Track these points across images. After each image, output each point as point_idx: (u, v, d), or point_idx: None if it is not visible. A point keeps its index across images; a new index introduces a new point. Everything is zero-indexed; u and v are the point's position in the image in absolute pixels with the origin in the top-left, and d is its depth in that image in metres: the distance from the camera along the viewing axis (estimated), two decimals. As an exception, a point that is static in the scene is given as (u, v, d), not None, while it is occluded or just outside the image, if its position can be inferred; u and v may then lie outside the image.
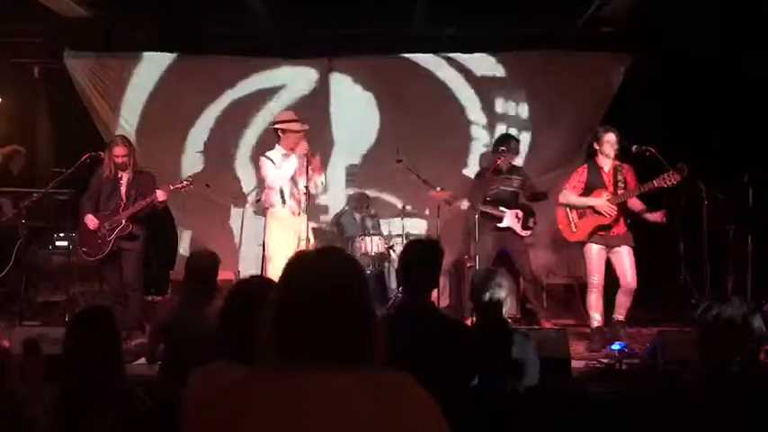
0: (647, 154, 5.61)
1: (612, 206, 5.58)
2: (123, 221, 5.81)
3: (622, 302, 5.65)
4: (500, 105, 7.69)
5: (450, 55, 7.67)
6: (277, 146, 5.78)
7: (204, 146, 7.66)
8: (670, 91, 6.95)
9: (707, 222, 5.78)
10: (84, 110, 7.81)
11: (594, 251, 5.69)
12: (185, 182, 5.99)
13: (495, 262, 6.25)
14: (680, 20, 6.73)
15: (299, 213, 5.74)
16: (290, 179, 5.73)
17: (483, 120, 7.69)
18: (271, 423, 1.34)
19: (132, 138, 7.80)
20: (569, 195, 5.82)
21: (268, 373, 1.41)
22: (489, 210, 6.28)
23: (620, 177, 5.69)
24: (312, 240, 5.68)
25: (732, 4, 6.27)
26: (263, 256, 6.03)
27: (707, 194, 5.76)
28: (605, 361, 4.76)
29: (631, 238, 5.69)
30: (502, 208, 6.31)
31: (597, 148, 5.77)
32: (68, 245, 6.95)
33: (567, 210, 5.85)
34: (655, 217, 5.61)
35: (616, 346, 5.09)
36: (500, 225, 6.31)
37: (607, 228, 5.65)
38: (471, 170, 7.31)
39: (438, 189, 6.31)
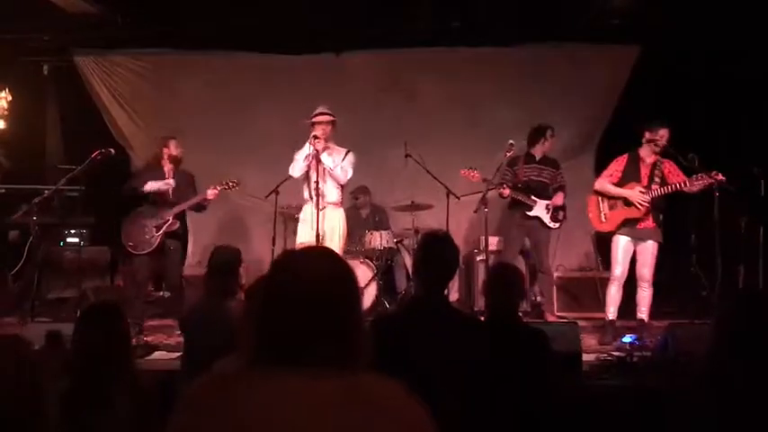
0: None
1: (645, 197, 5.54)
2: (171, 218, 5.95)
3: (642, 298, 5.63)
4: (508, 99, 7.65)
5: (458, 49, 7.65)
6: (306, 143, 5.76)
7: (213, 141, 7.67)
8: (680, 82, 6.92)
9: (718, 214, 5.75)
10: (94, 107, 7.86)
11: (622, 243, 5.66)
12: (231, 182, 6.05)
13: (521, 251, 6.37)
14: (689, 11, 6.67)
15: (323, 208, 5.68)
16: (306, 173, 5.74)
17: (492, 113, 7.66)
18: (246, 429, 1.30)
19: (142, 134, 7.89)
20: (605, 183, 5.76)
21: (247, 376, 1.37)
22: (521, 197, 6.24)
23: (657, 172, 5.63)
24: (329, 236, 5.68)
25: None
26: (273, 251, 6.07)
27: (718, 186, 5.72)
28: (616, 354, 4.74)
29: (660, 234, 5.66)
30: (533, 197, 6.28)
31: (648, 138, 5.64)
32: (79, 241, 7.00)
33: (599, 198, 5.80)
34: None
35: (627, 339, 5.08)
36: (528, 213, 6.28)
37: (636, 221, 5.62)
38: (481, 164, 7.25)
39: (470, 169, 6.18)
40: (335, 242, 5.72)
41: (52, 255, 6.98)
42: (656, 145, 5.58)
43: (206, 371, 1.90)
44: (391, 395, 1.35)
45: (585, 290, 6.85)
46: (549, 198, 6.31)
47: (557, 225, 6.33)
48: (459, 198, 6.42)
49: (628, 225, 5.64)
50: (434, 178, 6.41)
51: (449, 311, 2.71)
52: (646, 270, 5.59)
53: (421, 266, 2.76)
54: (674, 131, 5.96)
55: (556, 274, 6.96)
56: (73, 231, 7.12)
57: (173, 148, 6.11)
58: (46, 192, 6.32)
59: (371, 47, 7.67)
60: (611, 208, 5.74)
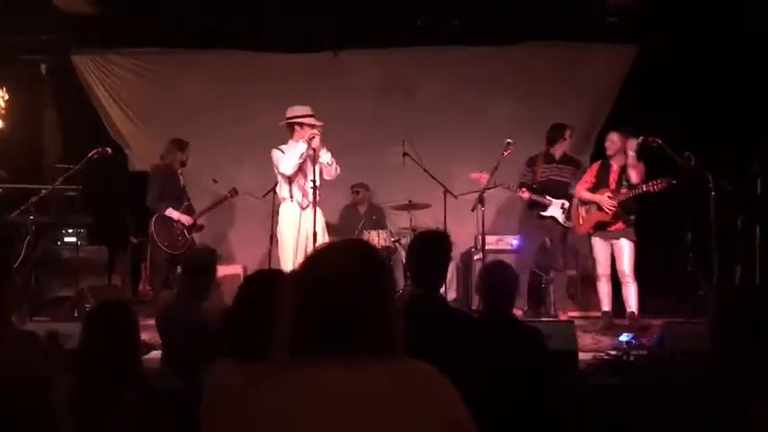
0: (654, 145, 5.72)
1: (612, 202, 5.86)
2: (197, 221, 6.41)
3: (629, 294, 5.94)
4: (506, 97, 7.65)
5: (457, 47, 7.65)
6: (290, 141, 5.81)
7: (211, 141, 7.66)
8: (677, 81, 6.93)
9: (715, 213, 5.77)
10: (92, 106, 7.85)
11: (598, 244, 6.09)
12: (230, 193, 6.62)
13: (539, 251, 6.47)
14: (687, 10, 6.69)
15: (306, 207, 5.75)
16: (299, 171, 5.74)
17: (491, 112, 7.66)
18: (293, 420, 1.32)
19: (140, 134, 7.89)
20: (580, 190, 6.17)
21: (286, 369, 1.39)
22: (536, 197, 6.28)
23: (624, 177, 5.92)
24: (320, 235, 5.67)
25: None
26: (270, 251, 6.08)
27: (715, 185, 5.75)
28: (613, 353, 4.74)
29: (632, 233, 5.97)
30: (548, 197, 6.30)
31: (606, 147, 6.07)
32: (76, 240, 7.00)
33: (578, 204, 6.20)
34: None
35: (624, 338, 5.08)
36: (543, 213, 6.32)
37: (606, 224, 5.98)
38: (480, 163, 7.25)
39: (482, 172, 6.18)
40: (326, 240, 5.72)
41: (49, 254, 6.97)
42: (607, 151, 6.01)
43: (184, 368, 1.92)
44: (429, 378, 1.40)
45: (583, 289, 6.87)
46: (566, 197, 6.33)
47: (571, 224, 6.36)
48: (456, 197, 6.43)
49: (600, 228, 6.03)
50: (432, 177, 6.42)
51: (445, 309, 2.72)
52: (625, 266, 5.92)
53: (415, 264, 2.77)
54: (671, 130, 6.02)
55: (552, 275, 6.96)
56: (70, 231, 7.12)
57: (186, 155, 6.42)
58: (43, 191, 6.31)
59: (370, 46, 7.67)
60: (587, 212, 6.12)
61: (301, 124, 5.75)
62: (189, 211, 6.41)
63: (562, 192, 6.36)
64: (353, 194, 7.50)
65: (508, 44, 7.61)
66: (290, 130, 5.84)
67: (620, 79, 7.56)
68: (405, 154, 6.52)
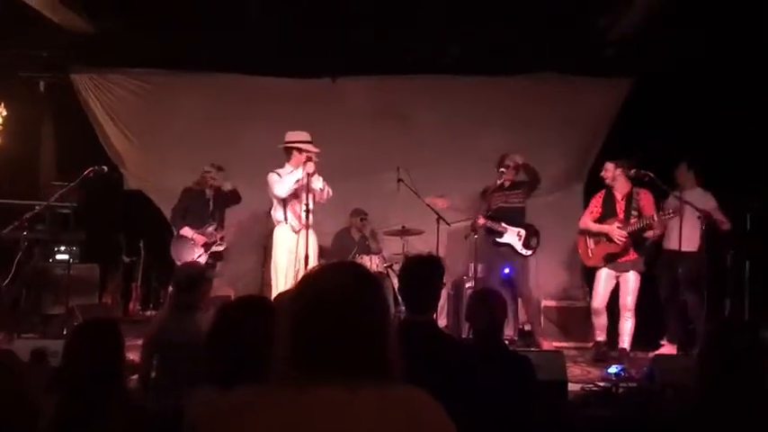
0: (645, 179, 5.76)
1: (623, 233, 5.82)
2: (219, 240, 6.41)
3: (625, 328, 5.93)
4: (501, 127, 7.72)
5: (454, 77, 7.73)
6: (287, 164, 5.91)
7: (207, 162, 7.67)
8: (670, 115, 7.01)
9: (705, 247, 5.82)
10: (89, 124, 7.88)
11: (603, 276, 6.02)
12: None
13: (496, 280, 6.29)
14: (681, 44, 6.79)
15: (299, 230, 5.78)
16: (293, 195, 5.81)
17: (485, 141, 7.72)
18: None
19: (136, 153, 7.92)
20: (587, 221, 6.13)
21: (282, 390, 1.38)
22: (489, 224, 6.30)
23: (633, 205, 5.91)
24: (312, 259, 5.70)
25: (726, 32, 6.34)
26: (262, 273, 6.10)
27: (705, 219, 5.79)
28: (602, 384, 4.76)
29: (641, 263, 5.98)
30: (503, 224, 6.31)
31: (619, 174, 6.02)
32: (69, 258, 6.98)
33: (586, 236, 6.15)
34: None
35: (613, 370, 5.10)
36: (499, 240, 6.32)
37: (617, 255, 5.93)
38: (474, 192, 7.29)
39: (439, 197, 6.32)
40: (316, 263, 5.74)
41: (41, 271, 6.95)
42: (606, 181, 6.01)
43: (179, 381, 1.92)
44: (425, 405, 1.40)
45: (573, 320, 6.87)
46: (522, 225, 6.34)
47: (529, 252, 6.35)
48: (449, 224, 6.46)
49: (610, 259, 5.97)
50: (426, 204, 6.45)
51: (436, 335, 2.72)
52: (628, 299, 5.91)
53: (406, 288, 2.79)
54: (664, 164, 6.10)
55: (544, 303, 7.00)
56: (63, 248, 7.11)
57: (219, 179, 6.50)
58: (37, 207, 6.31)
59: (367, 73, 7.75)
60: (596, 244, 6.09)
61: (299, 149, 5.84)
62: (211, 235, 6.40)
63: (518, 220, 6.36)
64: (360, 221, 7.48)
65: (504, 75, 7.69)
66: (287, 154, 5.91)
67: (614, 111, 7.64)
68: (399, 180, 6.56)
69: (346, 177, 7.39)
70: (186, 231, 6.29)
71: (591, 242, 6.11)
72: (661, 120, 7.02)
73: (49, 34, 7.07)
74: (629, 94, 7.54)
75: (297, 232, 5.84)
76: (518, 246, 6.34)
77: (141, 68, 7.83)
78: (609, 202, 6.05)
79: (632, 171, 5.86)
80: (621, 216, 5.92)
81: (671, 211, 5.72)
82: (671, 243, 6.22)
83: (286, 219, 5.86)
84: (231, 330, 2.22)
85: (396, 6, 6.52)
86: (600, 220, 6.03)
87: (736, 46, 6.47)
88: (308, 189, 5.71)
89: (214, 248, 6.41)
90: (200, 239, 6.33)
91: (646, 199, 5.93)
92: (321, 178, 5.89)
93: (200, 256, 6.27)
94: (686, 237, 5.88)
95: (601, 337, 6.05)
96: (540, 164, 7.56)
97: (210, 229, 6.41)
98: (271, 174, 5.89)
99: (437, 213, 6.45)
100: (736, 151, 6.65)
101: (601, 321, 6.05)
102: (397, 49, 7.35)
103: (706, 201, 6.08)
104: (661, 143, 6.72)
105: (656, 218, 5.75)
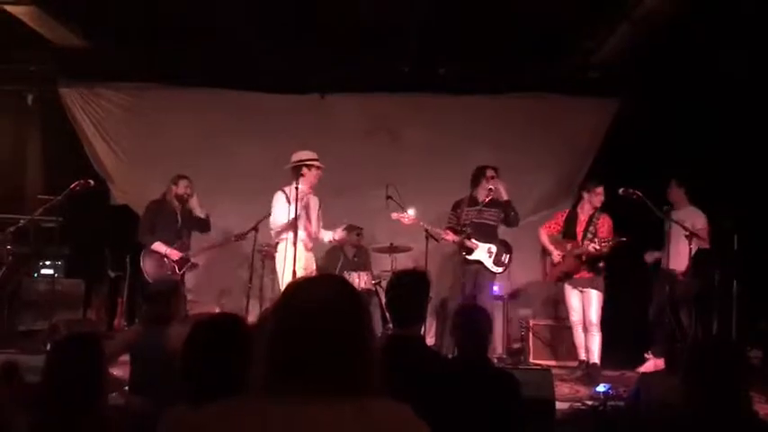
0: (633, 197, 5.78)
1: (559, 255, 6.07)
2: (191, 259, 6.31)
3: (590, 344, 6.02)
4: (490, 144, 7.73)
5: (442, 95, 7.76)
6: (294, 182, 5.88)
7: (194, 177, 7.64)
8: (657, 135, 7.06)
9: (693, 267, 5.85)
10: (76, 138, 7.84)
11: (569, 293, 6.20)
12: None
13: (469, 296, 6.18)
14: (667, 66, 6.86)
15: (311, 248, 6.04)
16: (305, 215, 5.98)
17: (473, 158, 7.71)
18: None
19: (123, 168, 7.88)
20: (543, 232, 6.30)
21: (259, 403, 1.36)
22: (460, 240, 6.15)
23: (591, 228, 6.04)
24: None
25: (715, 51, 6.41)
26: (248, 291, 6.09)
27: (691, 238, 5.82)
28: (589, 403, 4.73)
29: (600, 283, 6.08)
30: (474, 240, 6.23)
31: (586, 197, 6.15)
32: (53, 273, 6.90)
33: (545, 252, 6.29)
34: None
35: (601, 389, 5.07)
36: (469, 257, 6.20)
37: (570, 275, 6.11)
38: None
39: (405, 213, 6.22)
40: None
41: (25, 286, 6.87)
42: (590, 202, 6.11)
43: (150, 392, 1.88)
44: (405, 420, 1.37)
45: (562, 338, 6.85)
46: (493, 241, 6.22)
47: (500, 270, 6.26)
48: (438, 241, 6.44)
49: (564, 278, 6.16)
50: (414, 220, 6.43)
51: (422, 350, 2.70)
52: (592, 315, 6.01)
53: (392, 303, 2.77)
54: (650, 184, 6.13)
55: (533, 322, 6.99)
56: (48, 263, 7.03)
57: (181, 188, 6.30)
58: (22, 221, 6.25)
59: (357, 90, 7.77)
60: (553, 261, 6.21)
61: (309, 166, 5.94)
62: (183, 247, 6.28)
63: (490, 236, 6.25)
64: (356, 237, 7.42)
65: (492, 93, 7.73)
66: (296, 173, 5.90)
67: (601, 132, 7.69)
68: (388, 197, 6.53)
69: (335, 194, 7.38)
70: (158, 246, 6.17)
71: (549, 259, 6.25)
72: (649, 140, 7.07)
73: (37, 48, 7.07)
74: (618, 115, 7.59)
75: (309, 250, 6.01)
76: (488, 263, 6.21)
77: (130, 83, 7.84)
78: (571, 222, 6.16)
79: (621, 190, 5.88)
80: (579, 237, 6.06)
81: (606, 241, 5.87)
82: (664, 262, 6.34)
83: (296, 237, 5.81)
84: (204, 348, 2.20)
85: (384, 24, 6.55)
86: (556, 237, 6.19)
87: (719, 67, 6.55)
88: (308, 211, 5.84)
89: (187, 269, 6.34)
90: (175, 254, 6.21)
91: (604, 223, 6.05)
92: (330, 233, 6.22)
93: (171, 270, 6.18)
94: (676, 255, 6.03)
95: (584, 355, 6.11)
96: (528, 183, 7.65)
97: (182, 242, 6.30)
98: (278, 194, 6.00)
99: (426, 230, 6.40)
100: (724, 171, 6.70)
101: (581, 338, 6.12)
102: (386, 66, 7.38)
103: (696, 218, 6.13)
104: (649, 163, 6.77)
105: (598, 245, 5.86)
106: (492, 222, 6.27)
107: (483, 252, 6.22)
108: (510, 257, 6.29)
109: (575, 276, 6.09)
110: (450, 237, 6.18)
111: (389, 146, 7.80)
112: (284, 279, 5.83)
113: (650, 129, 7.08)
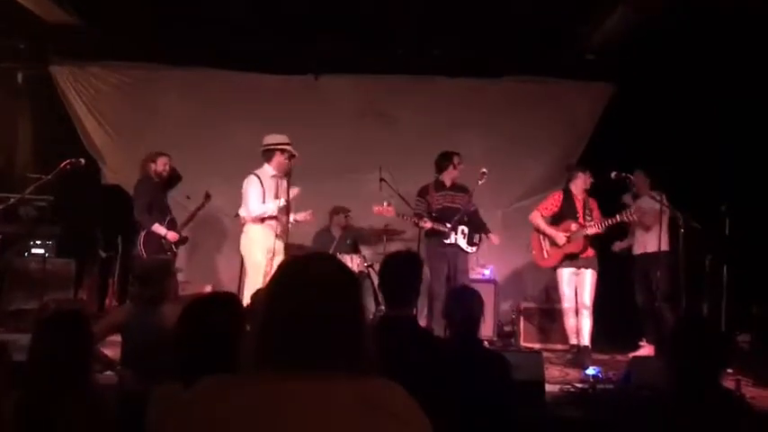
0: (626, 181, 5.81)
1: (565, 238, 5.98)
2: (182, 233, 6.37)
3: (583, 326, 5.96)
4: (483, 128, 7.72)
5: (435, 78, 7.73)
6: (267, 166, 5.87)
7: (185, 157, 7.60)
8: (651, 119, 7.06)
9: (683, 251, 5.86)
10: (67, 117, 7.78)
11: (565, 277, 6.08)
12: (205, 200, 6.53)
13: (449, 280, 6.25)
14: (665, 50, 6.84)
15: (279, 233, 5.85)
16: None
17: (467, 142, 7.70)
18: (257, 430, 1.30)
19: (115, 147, 7.83)
20: (539, 219, 6.16)
21: (251, 381, 1.36)
22: (437, 225, 6.17)
23: (587, 213, 6.05)
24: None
25: (712, 40, 6.39)
26: (241, 270, 6.06)
27: (684, 223, 5.84)
28: (579, 386, 4.76)
29: (596, 262, 6.06)
30: (448, 224, 6.21)
31: (581, 176, 6.10)
32: (44, 252, 6.87)
33: (540, 237, 6.17)
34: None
35: (591, 371, 5.10)
36: (446, 241, 6.22)
37: (575, 256, 6.01)
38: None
39: (385, 204, 6.21)
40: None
41: (15, 265, 6.83)
42: (581, 186, 6.08)
43: (142, 372, 1.87)
44: (397, 398, 1.38)
45: (553, 322, 6.88)
46: (464, 223, 6.26)
47: (474, 249, 6.34)
48: (419, 228, 6.42)
49: (569, 258, 6.03)
50: (407, 204, 6.42)
51: (415, 330, 2.72)
52: (586, 297, 5.97)
53: (385, 283, 2.79)
54: (644, 168, 6.15)
55: (523, 305, 7.02)
56: (38, 242, 6.98)
57: (160, 165, 6.27)
58: (12, 200, 6.21)
59: (351, 71, 7.72)
60: (552, 245, 6.11)
61: (282, 150, 5.85)
62: (172, 224, 6.30)
63: (460, 219, 6.27)
64: (345, 218, 7.43)
65: (486, 77, 7.70)
66: (267, 156, 5.89)
67: (596, 116, 7.69)
68: (381, 180, 6.52)
69: (327, 176, 7.38)
70: (158, 228, 6.16)
71: (546, 243, 6.14)
72: (642, 125, 7.07)
73: (28, 25, 6.98)
74: (612, 101, 7.58)
75: (279, 235, 5.86)
76: (463, 244, 6.26)
77: (122, 62, 7.77)
78: (568, 202, 6.11)
79: (613, 174, 5.90)
80: (581, 218, 6.02)
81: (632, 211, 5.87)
82: (641, 247, 6.45)
83: (287, 223, 5.84)
84: (198, 326, 2.19)
85: (379, 5, 6.50)
86: (556, 219, 6.10)
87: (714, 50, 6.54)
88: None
89: (180, 244, 6.41)
90: (173, 236, 6.23)
91: (594, 205, 6.13)
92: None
93: (169, 250, 6.21)
94: (656, 239, 6.11)
95: (574, 340, 6.05)
96: (522, 167, 7.66)
97: (170, 218, 6.34)
98: (252, 177, 5.84)
99: (414, 222, 6.35)
100: (717, 157, 6.71)
101: (572, 323, 6.05)
102: (380, 47, 7.33)
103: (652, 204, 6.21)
104: (643, 148, 6.78)
105: (617, 218, 5.89)
106: (461, 206, 6.28)
107: (458, 234, 6.25)
108: (480, 237, 6.34)
109: (580, 256, 6.01)
110: (429, 224, 6.17)
111: (383, 128, 7.77)
112: (254, 261, 5.80)
113: (646, 112, 7.07)
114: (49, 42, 7.44)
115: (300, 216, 6.09)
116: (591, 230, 5.96)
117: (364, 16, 6.67)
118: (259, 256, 5.77)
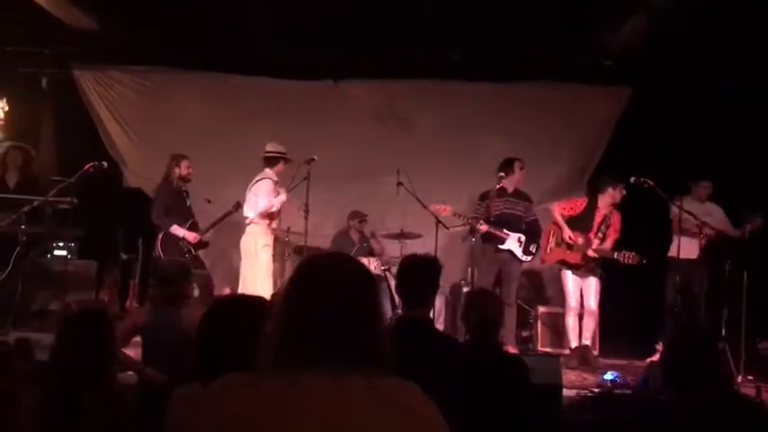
0: (645, 186, 5.76)
1: (569, 236, 6.10)
2: (203, 237, 6.38)
3: (587, 326, 6.09)
4: (502, 132, 7.71)
5: (455, 82, 7.74)
6: (268, 170, 6.20)
7: (206, 161, 7.66)
8: (670, 124, 7.02)
9: (704, 257, 5.82)
10: (90, 121, 7.88)
11: (569, 278, 6.20)
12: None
13: (494, 285, 6.31)
14: (682, 56, 6.81)
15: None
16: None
17: (486, 146, 7.70)
18: (271, 429, 1.31)
19: (137, 150, 7.92)
20: (557, 209, 6.28)
21: (270, 378, 1.37)
22: (493, 230, 6.23)
23: (603, 228, 6.11)
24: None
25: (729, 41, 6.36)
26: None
27: (703, 229, 5.80)
28: (597, 390, 4.74)
29: (598, 270, 6.16)
30: (506, 230, 6.29)
31: (611, 191, 6.10)
32: (67, 254, 6.96)
33: (551, 233, 6.28)
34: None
35: (609, 376, 5.09)
36: (501, 247, 6.28)
37: (574, 266, 6.14)
38: (473, 197, 7.27)
39: (443, 203, 6.27)
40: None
41: (38, 266, 6.92)
42: (612, 199, 6.09)
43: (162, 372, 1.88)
44: (413, 398, 1.38)
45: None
46: (521, 231, 6.32)
47: (528, 258, 6.37)
48: (448, 228, 6.44)
49: (564, 265, 6.18)
50: (425, 207, 6.44)
51: (432, 333, 2.73)
52: (591, 301, 6.09)
53: (402, 285, 2.80)
54: (663, 172, 6.11)
55: (540, 309, 6.99)
56: (61, 244, 7.07)
57: (183, 168, 6.36)
58: (36, 202, 6.30)
59: (370, 76, 7.76)
60: (557, 245, 6.22)
61: (287, 160, 6.25)
62: (193, 227, 6.37)
63: (518, 226, 6.34)
64: (359, 223, 7.45)
65: (505, 82, 7.70)
66: (271, 162, 6.24)
67: (614, 120, 7.66)
68: (399, 183, 6.54)
69: (346, 180, 7.42)
70: (176, 230, 6.22)
71: (552, 240, 6.22)
72: (661, 129, 7.03)
73: (51, 31, 7.09)
74: (630, 105, 7.55)
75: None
76: (518, 252, 6.31)
77: (144, 66, 7.86)
78: (589, 212, 6.14)
79: (632, 179, 5.86)
80: (594, 231, 6.08)
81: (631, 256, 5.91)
82: (673, 252, 6.30)
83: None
84: (224, 327, 2.20)
85: (398, 10, 6.53)
86: (569, 224, 6.16)
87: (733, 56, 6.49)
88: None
89: (201, 247, 6.48)
90: (193, 237, 6.29)
91: (615, 222, 6.15)
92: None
93: (188, 252, 6.25)
94: (686, 245, 6.02)
95: (575, 341, 6.12)
96: (541, 171, 7.61)
97: (192, 221, 6.38)
98: (267, 181, 6.12)
99: (436, 218, 6.40)
100: (737, 162, 6.66)
101: (576, 325, 6.13)
102: (399, 52, 7.35)
103: (715, 211, 6.22)
104: (662, 153, 6.74)
105: (614, 255, 5.98)
106: (521, 213, 6.37)
107: (514, 242, 6.30)
108: (537, 246, 6.37)
109: (574, 271, 6.16)
110: (485, 227, 6.19)
111: (401, 132, 7.80)
112: (264, 262, 6.11)
113: (663, 118, 7.03)
114: (73, 48, 7.54)
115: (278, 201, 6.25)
116: (591, 252, 6.05)
117: (382, 21, 6.70)
118: (264, 253, 6.12)
